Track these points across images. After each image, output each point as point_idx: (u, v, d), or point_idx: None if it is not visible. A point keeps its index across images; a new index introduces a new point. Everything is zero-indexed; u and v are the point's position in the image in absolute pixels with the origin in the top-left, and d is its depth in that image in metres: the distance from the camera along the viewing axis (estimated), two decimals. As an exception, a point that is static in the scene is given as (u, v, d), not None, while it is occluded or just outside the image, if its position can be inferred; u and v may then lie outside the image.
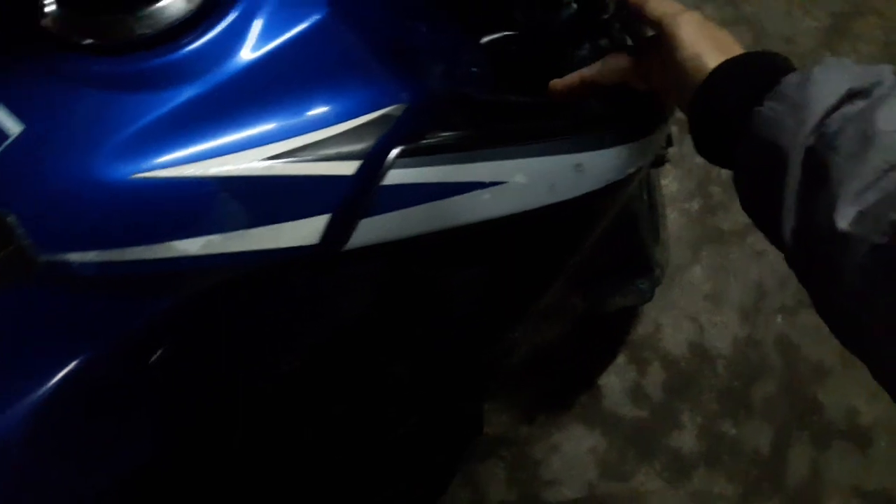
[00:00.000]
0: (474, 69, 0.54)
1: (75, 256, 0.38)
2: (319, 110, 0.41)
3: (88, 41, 0.41)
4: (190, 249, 0.39)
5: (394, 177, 0.41)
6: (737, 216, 1.19)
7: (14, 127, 0.40)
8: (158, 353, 0.46)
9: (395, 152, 0.41)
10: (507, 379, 1.16)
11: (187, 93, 0.40)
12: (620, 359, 1.18)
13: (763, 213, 0.43)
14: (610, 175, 0.49)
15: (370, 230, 0.42)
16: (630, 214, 0.78)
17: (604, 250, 0.65)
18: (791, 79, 0.41)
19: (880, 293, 0.34)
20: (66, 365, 0.41)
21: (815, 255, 0.39)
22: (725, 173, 1.20)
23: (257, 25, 0.42)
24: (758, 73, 0.43)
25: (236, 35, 0.41)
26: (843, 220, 0.35)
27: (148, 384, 0.46)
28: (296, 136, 0.40)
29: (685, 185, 1.21)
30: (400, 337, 0.55)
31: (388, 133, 0.41)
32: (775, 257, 1.20)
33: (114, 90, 0.40)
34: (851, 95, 0.38)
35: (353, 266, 0.44)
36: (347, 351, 0.53)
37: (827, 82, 0.39)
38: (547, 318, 0.87)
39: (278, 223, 0.40)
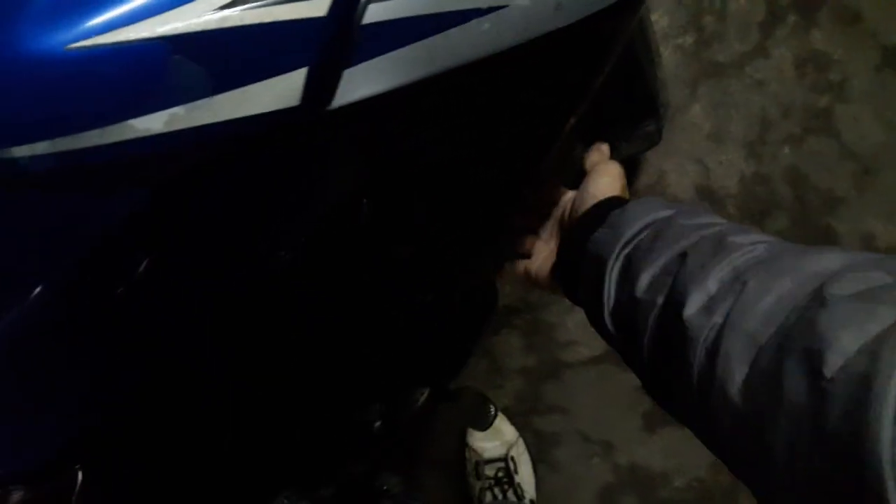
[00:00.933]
0: None
1: (22, 151, 0.32)
2: (275, -60, 0.34)
3: None
4: (152, 127, 0.33)
5: (375, 13, 0.35)
6: (733, 45, 1.12)
7: None
8: (144, 263, 0.41)
9: (372, -19, 0.35)
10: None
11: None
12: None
13: (595, 313, 0.53)
14: (622, -15, 0.42)
15: (357, 81, 0.36)
16: (629, 49, 0.72)
17: (606, 92, 0.60)
18: (615, 212, 0.55)
19: (660, 348, 0.45)
20: (35, 286, 0.36)
21: (624, 325, 0.49)
22: (718, 1, 1.12)
23: None
24: (603, 212, 0.56)
25: None
26: (640, 288, 0.47)
27: (136, 302, 0.42)
28: (251, -25, 0.33)
29: (676, 18, 1.12)
30: (404, 209, 0.50)
31: (361, -41, 0.35)
32: (778, 86, 1.14)
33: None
34: (654, 220, 0.51)
35: (344, 129, 0.39)
36: (346, 233, 0.49)
37: (637, 213, 0.53)
38: (549, 174, 0.81)
39: (249, 84, 0.34)
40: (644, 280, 0.46)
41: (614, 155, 0.83)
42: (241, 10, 0.33)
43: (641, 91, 0.76)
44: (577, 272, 0.56)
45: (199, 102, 0.33)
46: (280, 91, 0.35)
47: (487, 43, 0.38)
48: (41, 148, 0.32)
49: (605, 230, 0.54)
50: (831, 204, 1.14)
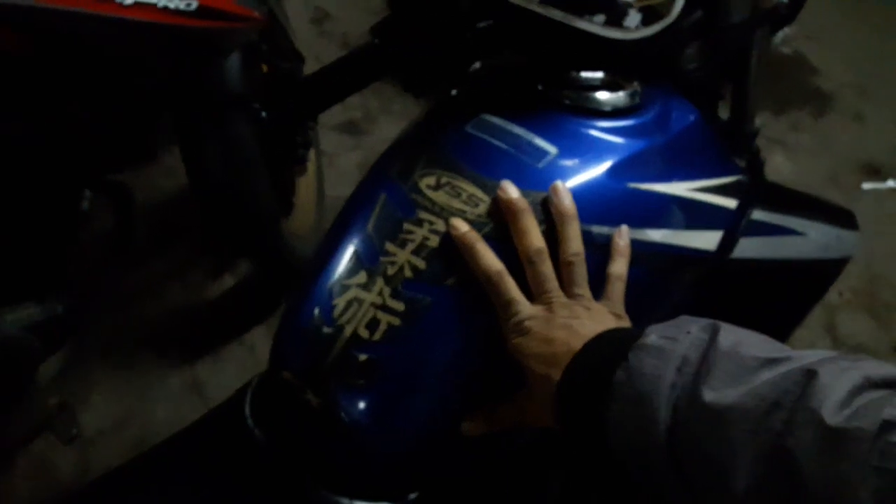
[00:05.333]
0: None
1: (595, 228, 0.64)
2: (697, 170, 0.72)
3: (585, 108, 0.69)
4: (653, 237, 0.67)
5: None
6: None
7: (551, 149, 0.66)
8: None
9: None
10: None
11: (645, 143, 0.68)
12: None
13: (640, 451, 0.48)
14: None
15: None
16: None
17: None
18: (650, 332, 0.50)
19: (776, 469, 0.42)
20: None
21: (692, 448, 0.45)
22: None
23: (669, 116, 0.72)
24: (617, 339, 0.53)
25: (662, 120, 0.71)
26: (725, 405, 0.44)
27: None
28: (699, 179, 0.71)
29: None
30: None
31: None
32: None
33: (608, 135, 0.68)
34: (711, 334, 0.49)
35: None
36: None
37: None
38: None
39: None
40: (731, 398, 0.43)
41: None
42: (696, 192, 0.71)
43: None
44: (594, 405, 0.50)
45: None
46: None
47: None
48: (604, 230, 0.65)
49: (641, 355, 0.48)
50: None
